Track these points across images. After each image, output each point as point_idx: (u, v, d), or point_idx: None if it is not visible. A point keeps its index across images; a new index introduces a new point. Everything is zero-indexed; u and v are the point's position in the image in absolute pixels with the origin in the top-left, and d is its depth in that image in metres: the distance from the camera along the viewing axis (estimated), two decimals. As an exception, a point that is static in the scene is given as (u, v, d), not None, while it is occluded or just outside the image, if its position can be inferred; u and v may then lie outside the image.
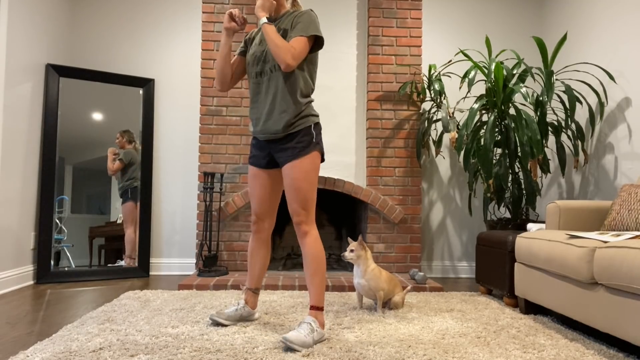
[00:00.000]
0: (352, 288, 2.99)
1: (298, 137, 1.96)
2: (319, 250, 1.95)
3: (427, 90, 3.66)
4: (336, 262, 3.98)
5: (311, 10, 2.00)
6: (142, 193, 3.58)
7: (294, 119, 1.95)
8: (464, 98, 3.56)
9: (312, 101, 2.05)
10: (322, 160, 2.07)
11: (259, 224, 2.15)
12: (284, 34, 1.99)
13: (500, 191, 3.16)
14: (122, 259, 3.48)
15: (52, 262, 3.22)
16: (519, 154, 3.09)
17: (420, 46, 3.62)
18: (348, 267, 3.76)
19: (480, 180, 3.65)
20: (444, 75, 3.62)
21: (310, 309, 1.94)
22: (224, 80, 2.12)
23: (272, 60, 1.98)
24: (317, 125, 2.02)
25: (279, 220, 3.96)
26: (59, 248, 3.30)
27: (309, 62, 2.03)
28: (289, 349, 1.79)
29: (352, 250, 2.39)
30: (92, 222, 3.43)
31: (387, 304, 2.49)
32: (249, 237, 3.16)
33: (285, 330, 2.05)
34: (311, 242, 1.95)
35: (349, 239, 2.47)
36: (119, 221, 3.51)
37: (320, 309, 1.94)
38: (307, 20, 1.95)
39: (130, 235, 3.50)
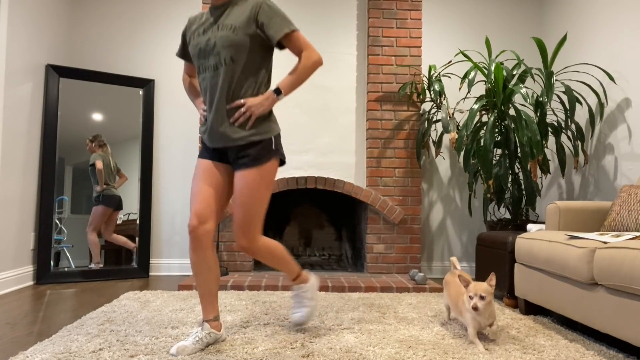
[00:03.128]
0: (352, 288, 2.98)
1: (255, 147, 1.78)
2: (273, 248, 1.89)
3: (427, 91, 3.66)
4: (336, 262, 3.98)
5: None
6: (141, 193, 3.57)
7: (253, 132, 1.77)
8: (464, 99, 3.56)
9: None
10: (283, 163, 1.90)
11: (199, 229, 1.74)
12: (236, 21, 1.73)
13: (500, 192, 3.16)
14: (120, 262, 3.48)
15: (52, 263, 3.22)
16: (519, 154, 3.09)
17: (420, 47, 3.62)
18: (348, 267, 3.76)
19: (480, 180, 3.65)
20: (443, 75, 3.62)
21: (293, 282, 2.05)
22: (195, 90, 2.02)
23: (222, 52, 1.72)
24: (278, 136, 1.85)
25: (278, 220, 3.96)
26: (58, 248, 3.29)
27: (267, 61, 1.83)
28: (300, 329, 2.06)
29: (482, 297, 1.83)
30: (92, 222, 3.43)
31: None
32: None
33: (285, 330, 2.05)
34: (262, 252, 1.86)
35: (461, 274, 1.98)
36: (119, 222, 3.51)
37: (299, 275, 2.04)
38: (278, 13, 1.76)
39: (93, 240, 3.39)
